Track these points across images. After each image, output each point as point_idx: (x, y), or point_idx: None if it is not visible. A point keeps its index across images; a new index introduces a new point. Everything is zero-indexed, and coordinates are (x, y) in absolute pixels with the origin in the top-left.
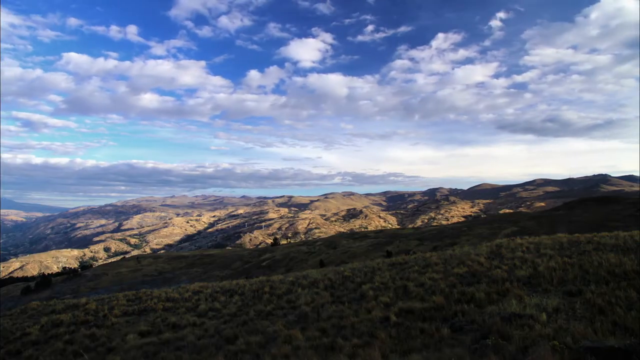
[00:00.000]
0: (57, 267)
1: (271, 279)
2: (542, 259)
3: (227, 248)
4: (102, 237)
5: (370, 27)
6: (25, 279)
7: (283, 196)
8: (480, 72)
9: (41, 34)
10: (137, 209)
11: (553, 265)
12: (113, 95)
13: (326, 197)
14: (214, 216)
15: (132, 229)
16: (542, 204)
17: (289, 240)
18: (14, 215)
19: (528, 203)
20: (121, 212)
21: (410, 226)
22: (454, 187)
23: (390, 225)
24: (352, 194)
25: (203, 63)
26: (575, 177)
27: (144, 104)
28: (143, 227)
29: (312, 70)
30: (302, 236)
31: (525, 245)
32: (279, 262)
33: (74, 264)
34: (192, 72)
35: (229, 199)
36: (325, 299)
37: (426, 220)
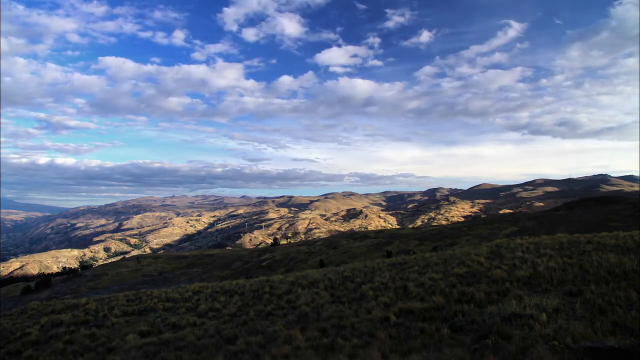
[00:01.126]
0: (57, 267)
1: (271, 279)
2: (542, 259)
3: (227, 248)
4: (102, 237)
5: (403, 34)
6: (25, 279)
7: (283, 196)
8: (506, 77)
9: (81, 38)
10: (137, 209)
11: (553, 265)
12: (141, 97)
13: (326, 197)
14: (214, 216)
15: (132, 229)
16: (542, 204)
17: (289, 240)
18: (14, 215)
19: (528, 203)
20: (121, 212)
21: (410, 226)
22: (454, 187)
23: (390, 225)
24: (352, 194)
25: (240, 66)
26: (575, 177)
27: (170, 106)
28: (143, 227)
29: (342, 74)
30: (302, 236)
31: (525, 245)
32: (279, 262)
33: (74, 264)
34: (227, 75)
35: (229, 199)
36: (325, 299)
37: (426, 221)
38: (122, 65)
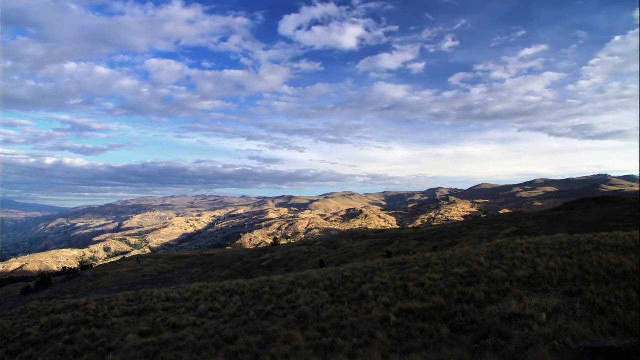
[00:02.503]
0: (57, 267)
1: (271, 279)
2: (542, 259)
3: (227, 248)
4: (102, 237)
5: (448, 43)
6: (25, 279)
7: (283, 196)
8: (539, 82)
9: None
10: (137, 209)
11: (553, 265)
12: (172, 101)
13: (326, 197)
14: (214, 216)
15: (132, 228)
16: (542, 204)
17: (289, 240)
18: (14, 215)
19: (528, 203)
20: (121, 212)
21: (410, 226)
22: (454, 187)
23: (390, 225)
24: (352, 194)
25: (286, 71)
26: (575, 177)
27: (198, 108)
28: (143, 227)
29: (378, 80)
30: (302, 236)
31: (525, 245)
32: (279, 262)
33: (74, 264)
34: (268, 80)
35: (229, 198)
36: (325, 299)
37: (426, 220)
38: (166, 68)
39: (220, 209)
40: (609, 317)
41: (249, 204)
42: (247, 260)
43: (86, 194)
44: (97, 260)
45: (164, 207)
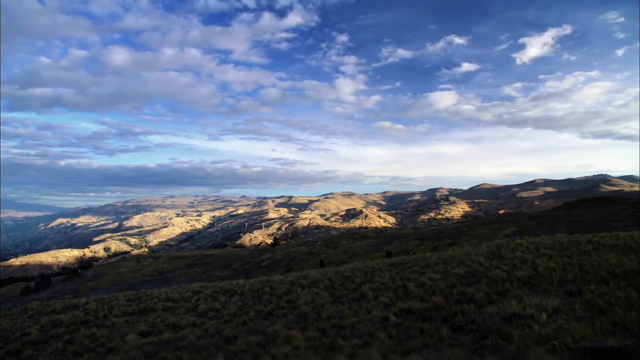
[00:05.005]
0: (57, 267)
1: (271, 279)
2: (542, 259)
3: (227, 248)
4: (102, 237)
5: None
6: (25, 279)
7: (283, 196)
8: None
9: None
10: (137, 209)
11: (553, 266)
12: (225, 107)
13: (326, 197)
14: (214, 216)
15: (132, 228)
16: (542, 204)
17: (289, 240)
18: (14, 215)
19: (528, 203)
20: (121, 212)
21: (410, 226)
22: (453, 187)
23: (390, 226)
24: (352, 194)
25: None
26: (575, 177)
27: (246, 111)
28: (143, 227)
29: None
30: (302, 236)
31: (525, 245)
32: (279, 262)
33: (74, 264)
34: (342, 89)
35: (229, 198)
36: (325, 299)
37: (426, 220)
38: (231, 75)
39: (220, 209)
40: (609, 317)
41: (249, 204)
42: (247, 260)
43: (91, 194)
44: (97, 261)
45: (164, 207)
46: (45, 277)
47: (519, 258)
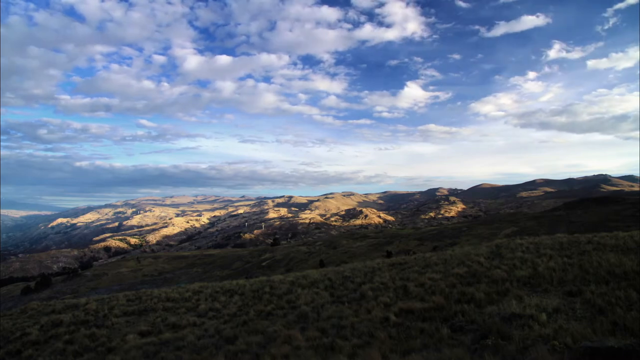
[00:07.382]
0: (57, 267)
1: (271, 279)
2: (542, 259)
3: (227, 248)
4: (102, 237)
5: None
6: (25, 279)
7: (283, 196)
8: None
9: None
10: (137, 209)
11: (553, 266)
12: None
13: (326, 197)
14: (214, 216)
15: (132, 228)
16: (542, 203)
17: (289, 240)
18: (14, 214)
19: (528, 203)
20: (121, 212)
21: (410, 226)
22: (453, 187)
23: (390, 226)
24: (352, 194)
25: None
26: (575, 177)
27: (283, 113)
28: (143, 227)
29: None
30: (302, 236)
31: (525, 245)
32: (279, 262)
33: (74, 264)
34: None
35: (229, 198)
36: (325, 299)
37: (426, 220)
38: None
39: (220, 208)
40: (609, 317)
41: (249, 204)
42: (247, 260)
43: (96, 194)
44: (97, 261)
45: (164, 206)
46: (45, 277)
47: (519, 258)
